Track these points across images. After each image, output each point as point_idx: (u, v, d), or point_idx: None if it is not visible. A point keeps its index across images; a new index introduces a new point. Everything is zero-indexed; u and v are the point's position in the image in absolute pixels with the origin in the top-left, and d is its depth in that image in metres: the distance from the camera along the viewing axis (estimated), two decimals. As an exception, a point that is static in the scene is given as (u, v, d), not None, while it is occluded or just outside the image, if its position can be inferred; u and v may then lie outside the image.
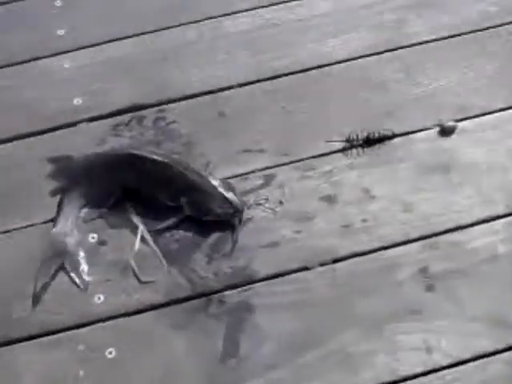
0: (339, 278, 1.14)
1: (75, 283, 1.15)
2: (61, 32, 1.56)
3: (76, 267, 1.17)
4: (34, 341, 1.11)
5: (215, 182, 1.23)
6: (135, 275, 1.15)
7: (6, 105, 1.44)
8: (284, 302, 1.12)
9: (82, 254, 1.18)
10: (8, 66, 1.50)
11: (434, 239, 1.17)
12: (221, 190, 1.22)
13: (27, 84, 1.47)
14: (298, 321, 1.10)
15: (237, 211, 1.20)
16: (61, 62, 1.50)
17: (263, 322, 1.10)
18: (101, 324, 1.12)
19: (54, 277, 1.17)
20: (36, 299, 1.14)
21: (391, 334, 1.07)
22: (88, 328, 1.12)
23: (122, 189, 1.25)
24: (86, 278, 1.15)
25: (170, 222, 1.21)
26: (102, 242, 1.21)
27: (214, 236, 1.20)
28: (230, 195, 1.21)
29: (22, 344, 1.11)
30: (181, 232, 1.21)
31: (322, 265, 1.16)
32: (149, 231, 1.20)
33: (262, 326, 1.09)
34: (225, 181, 1.24)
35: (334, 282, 1.14)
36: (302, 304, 1.11)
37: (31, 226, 1.23)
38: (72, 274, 1.16)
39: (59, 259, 1.18)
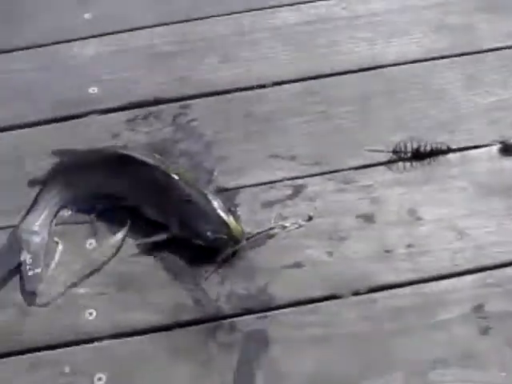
0: (375, 312, 0.96)
1: (23, 287, 1.00)
2: (87, 16, 1.42)
3: (32, 270, 1.01)
4: (12, 358, 0.95)
5: (215, 202, 1.03)
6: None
7: (17, 90, 1.30)
8: (306, 335, 0.94)
9: (42, 257, 1.03)
10: (27, 48, 1.37)
11: (490, 273, 0.98)
12: (220, 211, 1.02)
13: (43, 68, 1.33)
14: (322, 360, 0.92)
15: (233, 240, 1.00)
16: (81, 48, 1.36)
17: (281, 358, 0.92)
18: (91, 344, 0.95)
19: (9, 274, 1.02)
20: None
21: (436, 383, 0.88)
22: (76, 348, 0.95)
23: (107, 197, 1.08)
24: (37, 284, 1.00)
25: (157, 238, 1.03)
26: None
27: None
28: (229, 219, 1.01)
29: (-4, 361, 0.95)
30: (231, 209, 1.05)
31: (354, 294, 0.98)
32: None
33: (279, 362, 0.92)
34: (226, 205, 1.05)
35: (369, 316, 0.95)
36: (327, 340, 0.93)
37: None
38: (25, 277, 1.01)
39: (18, 257, 1.02)
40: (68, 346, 0.95)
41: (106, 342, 0.95)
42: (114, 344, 0.95)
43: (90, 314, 0.97)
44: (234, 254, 1.01)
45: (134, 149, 1.14)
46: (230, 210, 1.05)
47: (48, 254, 1.04)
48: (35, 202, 1.08)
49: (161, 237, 1.03)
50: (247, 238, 1.02)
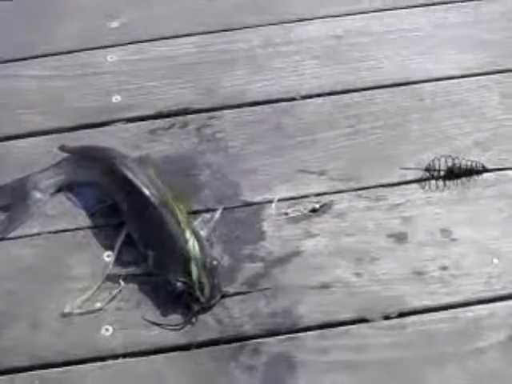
0: (406, 337, 0.91)
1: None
2: (113, 24, 1.39)
3: (15, 219, 1.05)
4: (21, 374, 0.90)
5: (195, 252, 0.94)
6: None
7: (39, 96, 1.27)
8: (335, 360, 0.89)
9: (31, 213, 1.06)
10: (49, 55, 1.34)
11: (529, 299, 0.93)
12: (194, 264, 0.93)
13: (64, 75, 1.30)
14: (351, 387, 0.87)
15: (201, 298, 0.92)
16: (105, 55, 1.34)
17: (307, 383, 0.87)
18: (108, 362, 0.91)
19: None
20: None
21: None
22: (92, 365, 0.91)
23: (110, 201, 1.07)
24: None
25: (136, 270, 0.98)
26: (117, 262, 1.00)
27: (252, 270, 0.98)
28: (198, 274, 0.93)
29: (8, 377, 0.90)
30: (213, 262, 0.99)
31: (385, 318, 0.93)
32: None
33: (305, 387, 0.87)
34: (212, 257, 0.96)
35: (400, 342, 0.90)
36: (357, 366, 0.88)
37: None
38: (8, 223, 1.05)
39: (10, 200, 1.08)
40: (83, 363, 0.91)
41: (122, 361, 0.90)
42: (131, 363, 0.90)
43: (107, 329, 0.93)
44: (206, 309, 0.94)
45: (154, 160, 1.10)
46: (211, 264, 0.95)
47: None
48: (53, 166, 1.10)
49: (136, 271, 0.98)
50: (222, 296, 0.94)
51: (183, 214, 1.00)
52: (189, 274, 0.93)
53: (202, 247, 0.96)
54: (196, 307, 0.92)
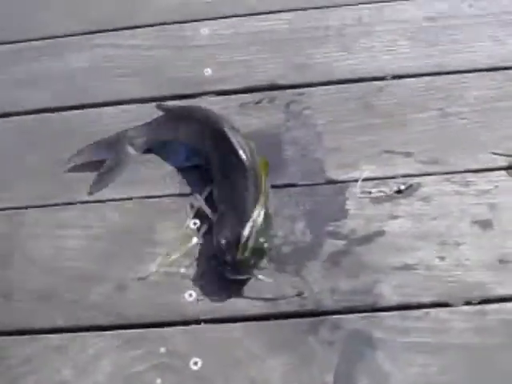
0: (487, 325, 0.90)
1: (93, 185, 1.09)
2: (206, -1, 1.42)
3: (109, 174, 1.11)
4: (106, 332, 0.95)
5: (258, 218, 0.96)
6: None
7: (131, 65, 1.31)
8: (414, 341, 0.89)
9: (123, 168, 1.12)
10: (144, 26, 1.38)
11: None
12: (250, 224, 0.95)
13: (157, 46, 1.34)
14: (428, 369, 0.87)
15: (232, 256, 0.93)
16: (198, 28, 1.36)
17: (385, 362, 0.88)
18: (188, 327, 0.94)
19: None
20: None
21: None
22: (173, 329, 0.94)
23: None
24: (99, 189, 1.09)
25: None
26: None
27: (335, 247, 0.99)
28: (248, 234, 0.94)
29: (93, 334, 0.95)
30: (297, 234, 1.01)
31: (466, 304, 0.92)
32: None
33: (384, 367, 0.87)
34: (268, 238, 0.97)
35: (481, 328, 0.90)
36: (436, 348, 0.88)
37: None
38: (102, 176, 1.10)
39: (106, 155, 1.13)
40: (165, 326, 0.94)
41: (204, 326, 0.93)
42: (213, 329, 0.93)
43: (190, 295, 0.96)
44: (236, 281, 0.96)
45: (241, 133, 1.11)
46: (263, 242, 0.96)
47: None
48: (148, 123, 1.15)
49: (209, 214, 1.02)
50: (249, 277, 0.95)
51: (265, 185, 1.02)
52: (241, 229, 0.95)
53: (266, 222, 0.97)
54: (228, 274, 0.94)
